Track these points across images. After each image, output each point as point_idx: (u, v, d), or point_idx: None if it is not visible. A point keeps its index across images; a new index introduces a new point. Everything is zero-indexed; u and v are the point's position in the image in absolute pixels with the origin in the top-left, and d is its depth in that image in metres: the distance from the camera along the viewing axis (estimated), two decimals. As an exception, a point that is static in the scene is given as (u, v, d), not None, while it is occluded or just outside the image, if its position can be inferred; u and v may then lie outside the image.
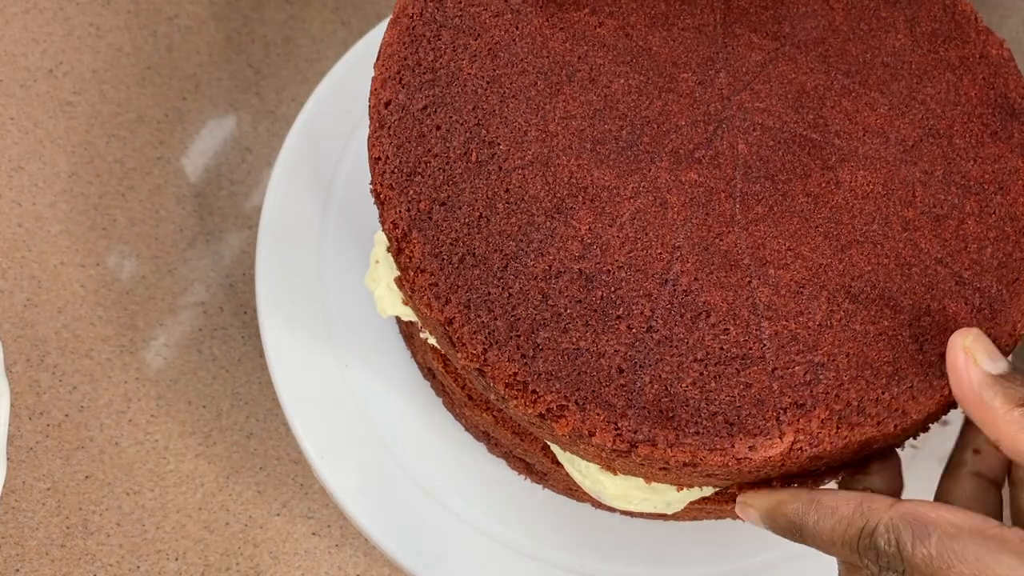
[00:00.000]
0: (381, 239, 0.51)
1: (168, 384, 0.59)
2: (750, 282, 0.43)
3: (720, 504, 0.50)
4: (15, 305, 0.59)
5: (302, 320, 0.55)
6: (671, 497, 0.48)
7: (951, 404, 0.42)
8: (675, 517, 0.53)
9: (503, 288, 0.42)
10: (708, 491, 0.49)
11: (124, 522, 0.55)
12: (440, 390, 0.55)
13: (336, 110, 0.59)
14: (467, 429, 0.55)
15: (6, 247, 0.60)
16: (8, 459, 0.55)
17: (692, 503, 0.50)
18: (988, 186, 0.46)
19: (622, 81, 0.46)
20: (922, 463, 0.56)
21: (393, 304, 0.50)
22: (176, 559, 0.55)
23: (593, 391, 0.40)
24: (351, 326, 0.56)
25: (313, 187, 0.58)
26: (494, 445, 0.54)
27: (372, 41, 0.61)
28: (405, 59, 0.46)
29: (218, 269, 0.62)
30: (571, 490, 0.53)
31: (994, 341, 0.42)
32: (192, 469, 0.57)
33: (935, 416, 0.42)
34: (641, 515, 0.53)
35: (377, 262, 0.51)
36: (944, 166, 0.46)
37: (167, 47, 0.67)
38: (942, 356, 0.42)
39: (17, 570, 0.54)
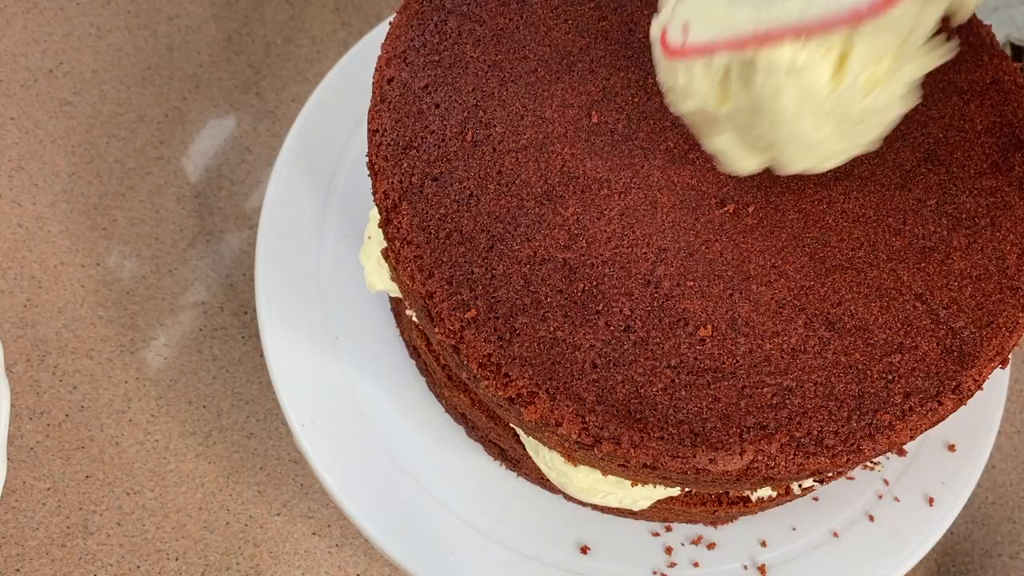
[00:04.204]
0: (375, 215, 0.51)
1: (168, 384, 0.59)
2: (731, 295, 0.42)
3: (688, 506, 0.50)
4: (15, 305, 0.59)
5: (302, 320, 0.55)
6: (637, 494, 0.48)
7: (902, 446, 0.42)
8: (644, 516, 0.53)
9: (487, 268, 0.42)
10: (675, 491, 0.49)
11: (124, 522, 0.55)
12: (423, 369, 0.55)
13: (336, 110, 0.59)
14: (447, 411, 0.55)
15: (6, 247, 0.60)
16: (8, 459, 0.55)
17: (659, 502, 0.50)
18: (980, 220, 0.45)
19: (622, 75, 0.46)
20: (928, 450, 0.56)
21: (381, 279, 0.50)
22: (176, 559, 0.55)
23: (565, 382, 0.40)
24: (350, 326, 0.56)
25: (313, 187, 0.58)
26: (472, 429, 0.54)
27: (372, 41, 0.61)
28: (412, 40, 0.46)
29: (218, 269, 0.62)
30: (543, 480, 0.53)
31: (958, 386, 0.42)
32: (192, 469, 0.57)
33: (885, 453, 0.43)
34: (608, 510, 0.53)
35: (370, 237, 0.51)
36: (939, 195, 0.46)
37: (167, 47, 0.67)
38: (906, 396, 0.42)
39: (17, 570, 0.54)
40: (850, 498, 0.55)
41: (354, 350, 0.55)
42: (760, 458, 0.40)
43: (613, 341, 0.41)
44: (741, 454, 0.40)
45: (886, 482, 0.55)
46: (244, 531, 0.56)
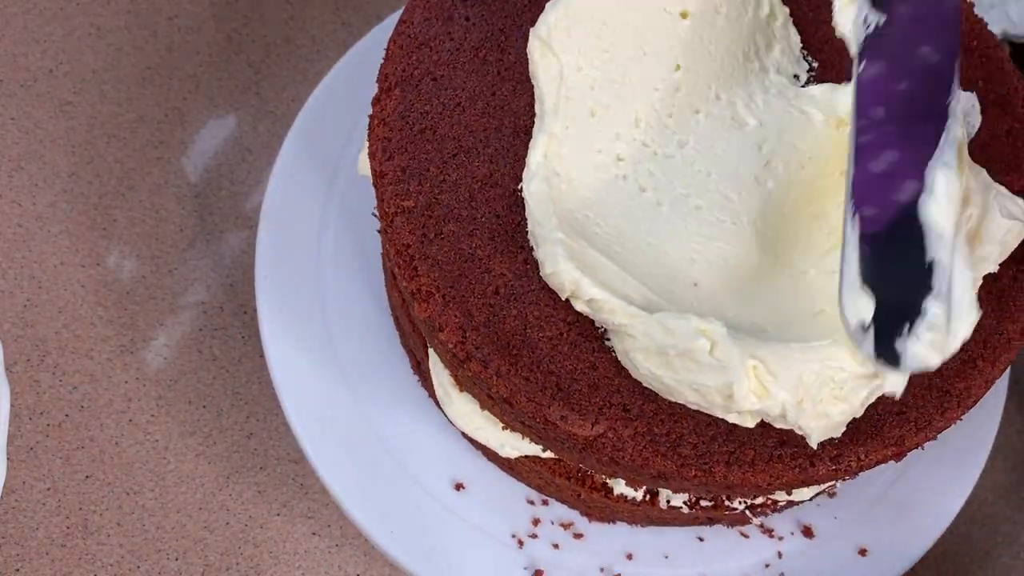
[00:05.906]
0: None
1: (168, 384, 0.59)
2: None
3: (553, 475, 0.50)
4: (15, 305, 0.59)
5: (302, 320, 0.55)
6: (504, 438, 0.49)
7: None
8: (523, 480, 0.53)
9: (441, 170, 0.43)
10: (543, 451, 0.49)
11: (124, 522, 0.55)
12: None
13: (336, 110, 0.59)
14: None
15: (6, 247, 0.60)
16: (8, 459, 0.55)
17: (527, 459, 0.50)
18: None
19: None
20: (928, 450, 0.56)
21: (366, 164, 0.51)
22: (176, 559, 0.55)
23: (463, 295, 0.41)
24: (351, 325, 0.56)
25: (313, 187, 0.58)
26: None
27: (372, 41, 0.61)
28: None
29: (218, 269, 0.62)
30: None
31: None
32: (192, 469, 0.57)
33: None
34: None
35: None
36: None
37: (167, 47, 0.67)
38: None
39: (17, 570, 0.54)
40: (851, 497, 0.55)
41: (354, 349, 0.55)
42: (610, 435, 0.40)
43: (524, 278, 0.42)
44: (593, 424, 0.40)
45: (888, 481, 0.55)
46: (244, 531, 0.56)
